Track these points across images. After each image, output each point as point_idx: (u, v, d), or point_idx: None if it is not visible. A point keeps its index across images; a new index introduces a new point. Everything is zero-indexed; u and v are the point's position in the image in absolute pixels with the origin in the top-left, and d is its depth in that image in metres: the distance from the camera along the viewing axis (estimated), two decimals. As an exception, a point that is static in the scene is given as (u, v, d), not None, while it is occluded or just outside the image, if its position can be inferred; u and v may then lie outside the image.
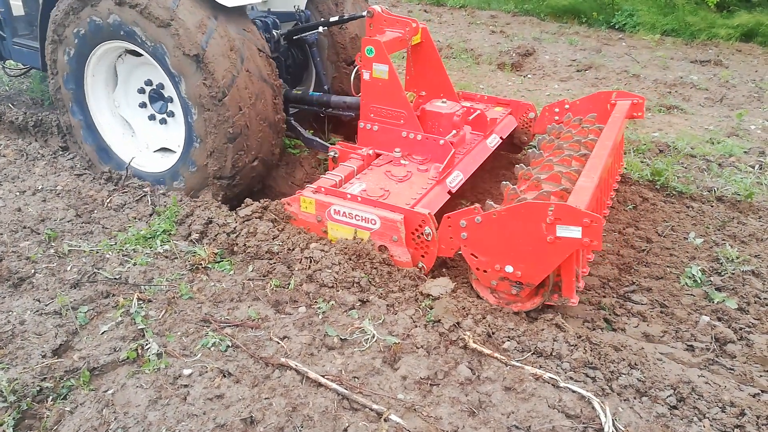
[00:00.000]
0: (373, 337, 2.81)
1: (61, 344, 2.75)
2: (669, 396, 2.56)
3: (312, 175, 4.58)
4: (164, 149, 4.30)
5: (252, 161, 3.89)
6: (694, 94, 7.22)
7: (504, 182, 3.50)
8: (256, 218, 3.57)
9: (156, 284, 3.19)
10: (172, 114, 4.10)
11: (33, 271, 3.29)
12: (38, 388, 2.50)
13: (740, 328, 3.15)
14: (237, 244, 3.46)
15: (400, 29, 4.13)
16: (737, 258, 3.72)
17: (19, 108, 5.56)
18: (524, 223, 2.89)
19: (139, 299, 3.04)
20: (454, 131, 4.04)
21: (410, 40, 4.21)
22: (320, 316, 2.97)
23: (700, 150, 5.42)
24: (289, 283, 3.19)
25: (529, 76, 8.00)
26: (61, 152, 4.84)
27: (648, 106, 6.62)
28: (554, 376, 2.60)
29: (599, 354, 2.76)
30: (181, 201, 3.87)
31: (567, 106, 4.59)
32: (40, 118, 5.15)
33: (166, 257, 3.45)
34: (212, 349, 2.75)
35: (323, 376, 2.56)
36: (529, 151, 4.06)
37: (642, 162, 5.12)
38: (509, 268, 3.03)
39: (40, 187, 4.24)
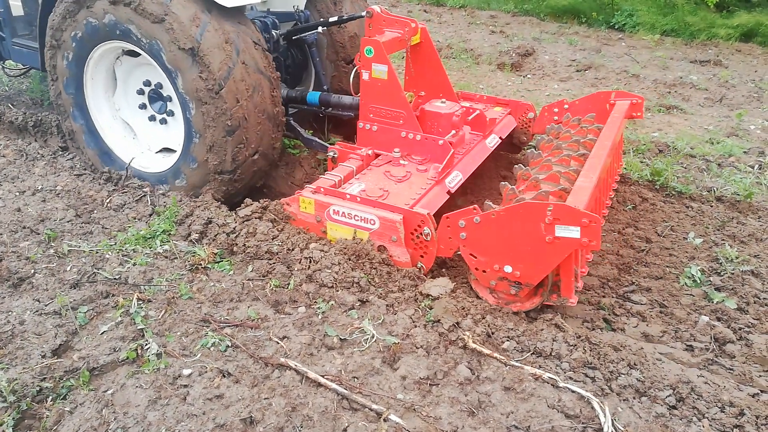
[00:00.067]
0: (373, 337, 2.81)
1: (60, 344, 2.75)
2: (668, 396, 2.56)
3: (311, 176, 4.59)
4: (165, 150, 4.30)
5: (252, 155, 3.88)
6: (693, 94, 7.22)
7: (503, 182, 3.50)
8: (255, 218, 3.57)
9: (156, 284, 3.19)
10: (171, 113, 4.11)
11: (33, 271, 3.29)
12: (38, 388, 2.50)
13: (739, 328, 3.15)
14: (237, 244, 3.47)
15: (399, 29, 4.13)
16: (736, 258, 3.72)
17: (18, 108, 5.56)
18: (523, 223, 2.89)
19: (138, 299, 3.04)
20: (454, 131, 4.04)
21: (409, 40, 4.21)
22: (320, 316, 2.97)
23: (699, 150, 5.42)
24: (288, 283, 3.20)
25: (528, 76, 8.00)
26: (60, 152, 4.84)
27: (648, 106, 6.62)
28: (554, 376, 2.60)
29: (598, 354, 2.76)
30: (180, 201, 3.87)
31: (566, 106, 4.60)
32: (39, 118, 5.15)
33: (166, 257, 3.45)
34: (212, 349, 2.75)
35: (323, 376, 2.56)
36: (528, 151, 4.07)
37: (641, 162, 5.12)
38: (508, 268, 3.03)
39: (39, 187, 4.24)
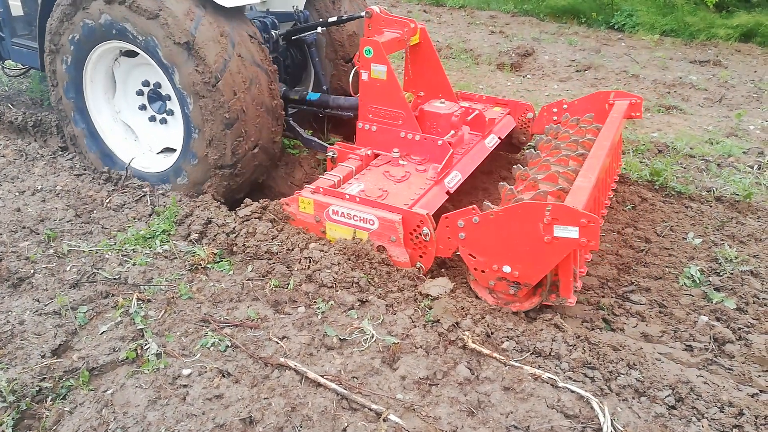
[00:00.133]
0: (372, 337, 2.81)
1: (60, 344, 2.75)
2: (667, 396, 2.57)
3: (311, 176, 4.59)
4: (167, 150, 4.31)
5: (252, 148, 3.88)
6: (693, 95, 7.23)
7: (501, 183, 3.51)
8: (255, 218, 3.57)
9: (155, 284, 3.19)
10: (171, 112, 4.11)
11: (32, 271, 3.29)
12: (37, 388, 2.50)
13: (739, 328, 3.15)
14: (236, 244, 3.47)
15: (398, 30, 4.13)
16: (736, 258, 3.72)
17: (18, 108, 5.56)
18: (521, 223, 2.90)
19: (138, 299, 3.04)
20: (453, 131, 4.04)
21: (409, 40, 4.21)
22: (319, 316, 2.97)
23: (699, 150, 5.42)
24: (288, 283, 3.20)
25: (528, 76, 8.00)
26: (60, 152, 4.84)
27: (647, 107, 6.63)
28: (553, 376, 2.60)
29: (598, 354, 2.76)
30: (180, 201, 3.87)
31: (565, 107, 4.60)
32: (39, 118, 5.15)
33: (166, 257, 3.45)
34: (211, 349, 2.75)
35: (322, 376, 2.56)
36: (527, 151, 4.07)
37: (641, 162, 5.12)
38: (507, 268, 3.03)
39: (39, 187, 4.24)
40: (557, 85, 7.56)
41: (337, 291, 3.11)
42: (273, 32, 4.47)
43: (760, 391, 2.73)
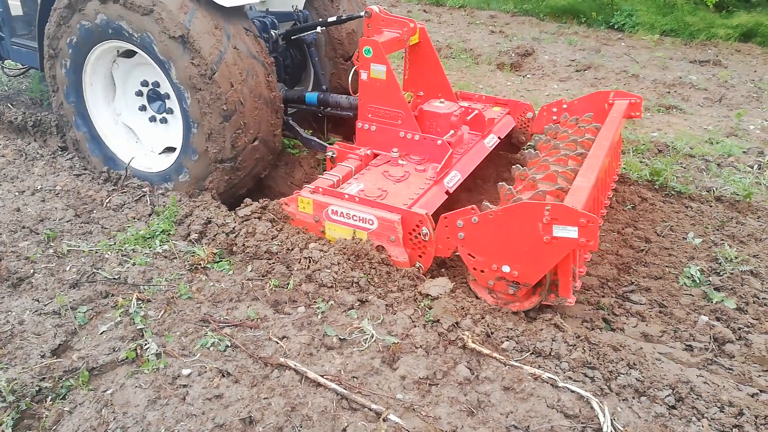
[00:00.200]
0: (372, 337, 2.81)
1: (60, 344, 2.75)
2: (667, 396, 2.57)
3: (311, 176, 4.58)
4: (168, 151, 4.31)
5: (252, 141, 3.88)
6: (693, 94, 7.23)
7: (500, 183, 3.51)
8: (255, 218, 3.57)
9: (155, 284, 3.19)
10: (171, 111, 4.12)
11: (32, 271, 3.29)
12: (37, 388, 2.50)
13: (739, 328, 3.15)
14: (236, 244, 3.47)
15: (397, 29, 4.13)
16: (736, 258, 3.72)
17: (18, 108, 5.56)
18: (521, 223, 2.90)
19: (138, 299, 3.04)
20: (452, 131, 4.04)
21: (408, 40, 4.21)
22: (319, 316, 2.97)
23: (698, 150, 5.42)
24: (288, 283, 3.20)
25: (528, 76, 8.00)
26: (60, 152, 4.83)
27: (647, 106, 6.63)
28: (553, 376, 2.60)
29: (598, 354, 2.76)
30: (180, 201, 3.87)
31: (565, 106, 4.60)
32: (39, 118, 5.15)
33: (165, 257, 3.45)
34: (211, 349, 2.75)
35: (322, 376, 2.56)
36: (526, 151, 4.07)
37: (641, 162, 5.12)
38: (506, 268, 3.03)
39: (39, 187, 4.24)
40: (557, 85, 7.56)
41: (337, 291, 3.10)
42: (273, 32, 4.47)
43: (760, 391, 2.73)
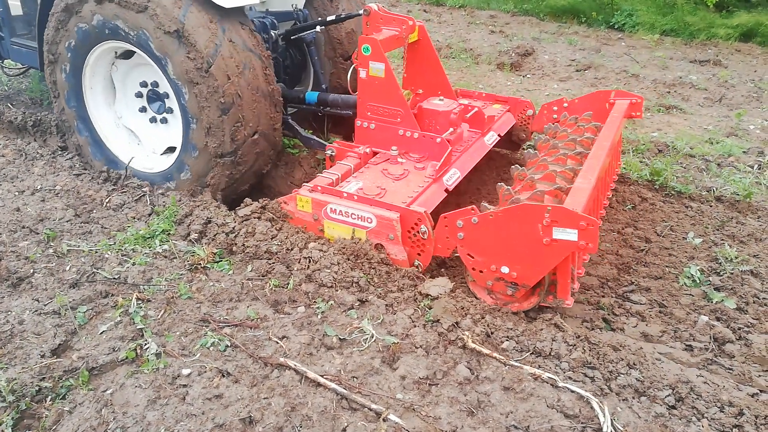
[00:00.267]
0: (372, 336, 2.81)
1: (59, 344, 2.75)
2: (667, 396, 2.56)
3: (311, 175, 4.57)
4: (169, 151, 4.31)
5: (252, 134, 3.87)
6: (693, 94, 7.22)
7: (499, 183, 3.50)
8: (254, 218, 3.57)
9: (155, 284, 3.19)
10: (170, 110, 4.12)
11: (32, 270, 3.29)
12: (37, 388, 2.50)
13: (739, 328, 3.15)
14: (236, 244, 3.46)
15: (396, 27, 4.13)
16: (736, 258, 3.72)
17: (17, 108, 5.56)
18: (521, 224, 2.89)
19: (138, 299, 3.04)
20: (451, 129, 4.04)
21: (407, 38, 4.20)
22: (319, 316, 2.97)
23: (699, 150, 5.42)
24: (288, 283, 3.19)
25: (528, 76, 8.00)
26: (59, 152, 4.83)
27: (647, 106, 6.62)
28: (553, 376, 2.60)
29: (598, 354, 2.76)
30: (180, 201, 3.87)
31: (566, 105, 4.59)
32: (38, 117, 5.15)
33: (165, 257, 3.45)
34: (211, 348, 2.75)
35: (322, 376, 2.56)
36: (526, 151, 4.07)
37: (641, 162, 5.12)
38: (505, 269, 3.03)
39: (39, 187, 4.24)
40: (557, 85, 7.56)
41: (337, 291, 3.10)
42: (272, 32, 4.47)
43: (760, 391, 2.73)
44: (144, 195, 4.05)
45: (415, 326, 2.88)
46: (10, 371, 2.56)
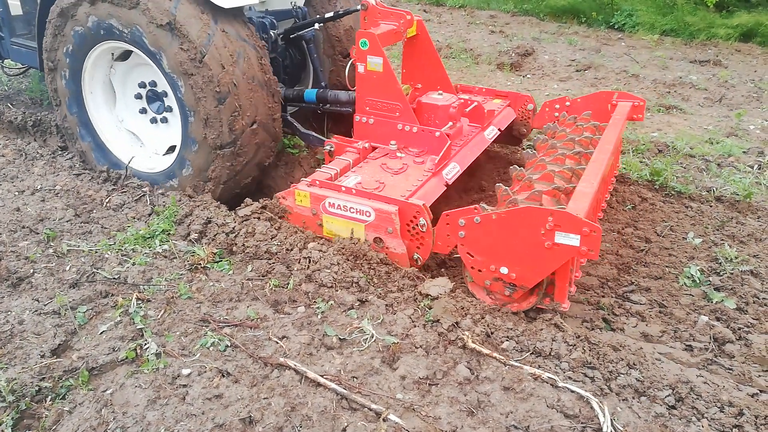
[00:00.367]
0: (372, 336, 2.81)
1: (59, 344, 2.75)
2: (667, 396, 2.56)
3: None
4: (171, 151, 4.31)
5: (250, 124, 3.86)
6: (693, 94, 7.22)
7: (498, 184, 3.50)
8: (254, 218, 3.57)
9: (155, 284, 3.18)
10: (170, 109, 4.13)
11: (32, 270, 3.29)
12: (37, 388, 2.50)
13: (739, 328, 3.15)
14: (236, 244, 3.46)
15: (394, 21, 4.12)
16: (736, 258, 3.72)
17: (17, 107, 5.56)
18: (523, 226, 2.89)
19: (138, 299, 3.04)
20: (451, 123, 4.03)
21: (405, 32, 4.20)
22: (319, 316, 2.97)
23: (699, 150, 5.42)
24: (288, 283, 3.19)
25: (528, 76, 8.00)
26: (59, 152, 4.83)
27: (647, 106, 6.58)
28: (553, 376, 2.60)
29: (598, 354, 2.76)
30: (180, 201, 3.87)
31: (568, 104, 4.59)
32: (38, 117, 5.16)
33: (165, 257, 3.45)
34: (211, 348, 2.75)
35: (322, 376, 2.56)
36: (524, 151, 4.07)
37: (641, 162, 5.12)
38: (504, 270, 3.03)
39: (38, 187, 4.24)
40: (557, 85, 7.56)
41: (337, 291, 3.10)
42: (272, 32, 4.47)
43: (760, 391, 2.73)
44: (144, 195, 4.04)
45: (415, 326, 2.88)
46: (10, 371, 2.56)
